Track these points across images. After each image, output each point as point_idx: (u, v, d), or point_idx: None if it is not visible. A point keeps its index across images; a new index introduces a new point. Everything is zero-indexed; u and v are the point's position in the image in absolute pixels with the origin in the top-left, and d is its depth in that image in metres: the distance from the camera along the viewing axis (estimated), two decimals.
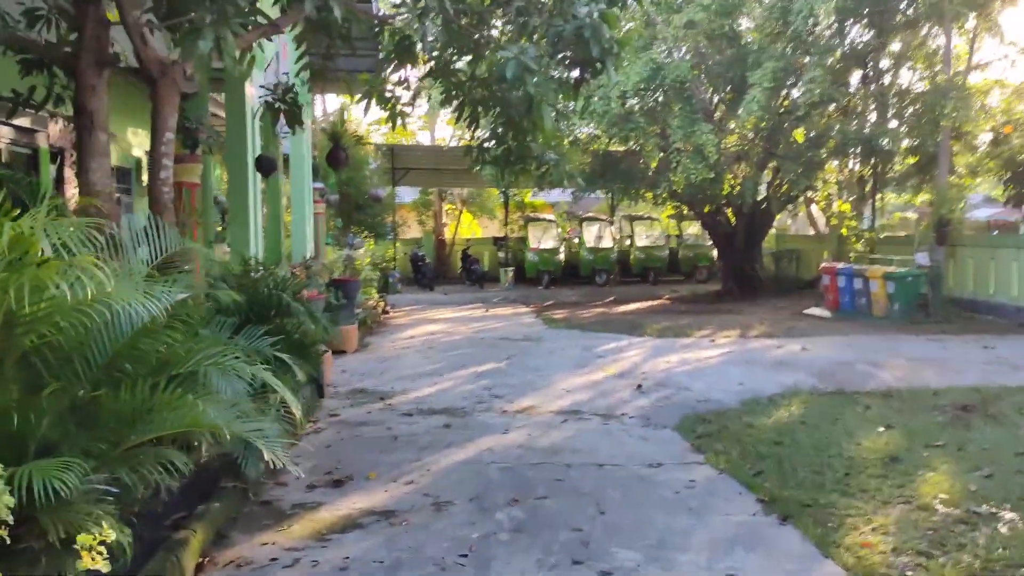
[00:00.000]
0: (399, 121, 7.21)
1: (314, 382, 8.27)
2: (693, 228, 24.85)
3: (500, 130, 7.18)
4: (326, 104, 26.44)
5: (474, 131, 7.26)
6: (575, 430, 7.02)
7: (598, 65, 5.92)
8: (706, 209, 18.47)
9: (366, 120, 26.77)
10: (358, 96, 7.00)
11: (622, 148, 16.53)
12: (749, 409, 7.62)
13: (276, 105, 5.89)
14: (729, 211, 19.53)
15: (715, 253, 24.13)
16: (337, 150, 7.19)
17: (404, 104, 7.24)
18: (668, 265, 24.07)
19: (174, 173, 5.39)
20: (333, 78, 7.04)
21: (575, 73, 6.31)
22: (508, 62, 5.50)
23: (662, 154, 15.74)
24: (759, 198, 16.66)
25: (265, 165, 7.35)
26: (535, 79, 5.67)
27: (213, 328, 5.29)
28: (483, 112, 7.10)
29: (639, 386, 8.74)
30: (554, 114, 6.88)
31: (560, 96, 6.80)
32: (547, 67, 6.09)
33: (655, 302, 19.54)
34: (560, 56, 6.02)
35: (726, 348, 11.62)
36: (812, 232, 25.76)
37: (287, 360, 5.66)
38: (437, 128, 28.53)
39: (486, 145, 7.48)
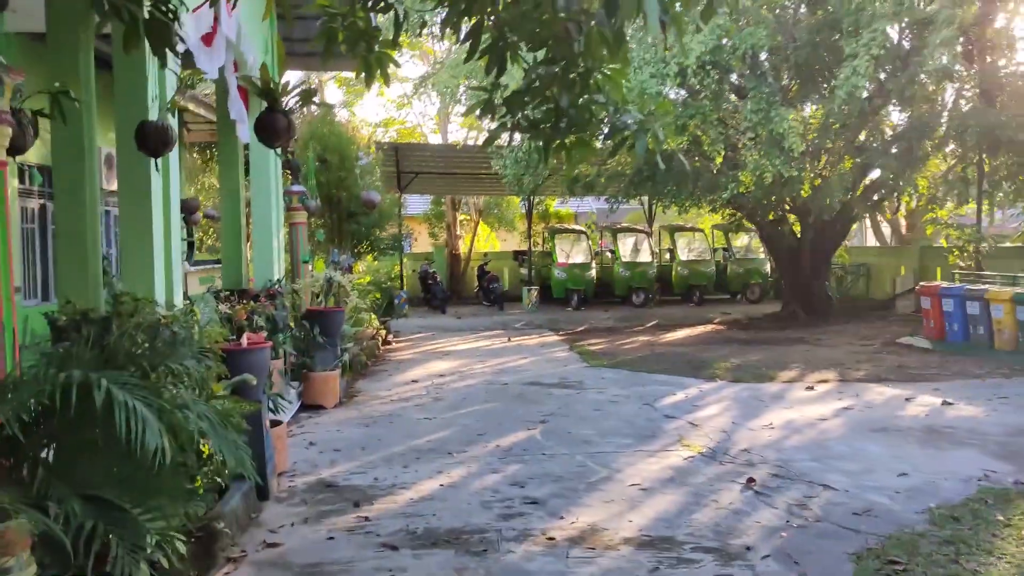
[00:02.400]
0: (376, 78, 4.28)
1: (255, 474, 5.36)
2: (740, 240, 21.79)
3: (542, 72, 4.23)
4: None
5: (497, 77, 4.30)
6: None
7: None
8: (769, 217, 15.43)
9: (362, 115, 24.02)
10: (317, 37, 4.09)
11: (676, 142, 13.60)
12: (952, 535, 4.61)
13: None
14: (793, 219, 16.49)
15: (768, 268, 21.10)
16: (273, 116, 4.24)
17: (384, 42, 4.31)
18: (714, 283, 21.02)
19: None
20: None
21: None
22: None
23: (722, 150, 12.71)
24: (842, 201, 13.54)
25: (150, 137, 4.44)
26: None
27: None
28: (514, 42, 4.18)
29: (750, 481, 5.72)
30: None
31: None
32: None
33: (706, 328, 16.52)
34: None
35: (836, 400, 8.58)
36: (877, 242, 22.66)
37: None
38: (449, 131, 25.61)
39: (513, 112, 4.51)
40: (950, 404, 8.25)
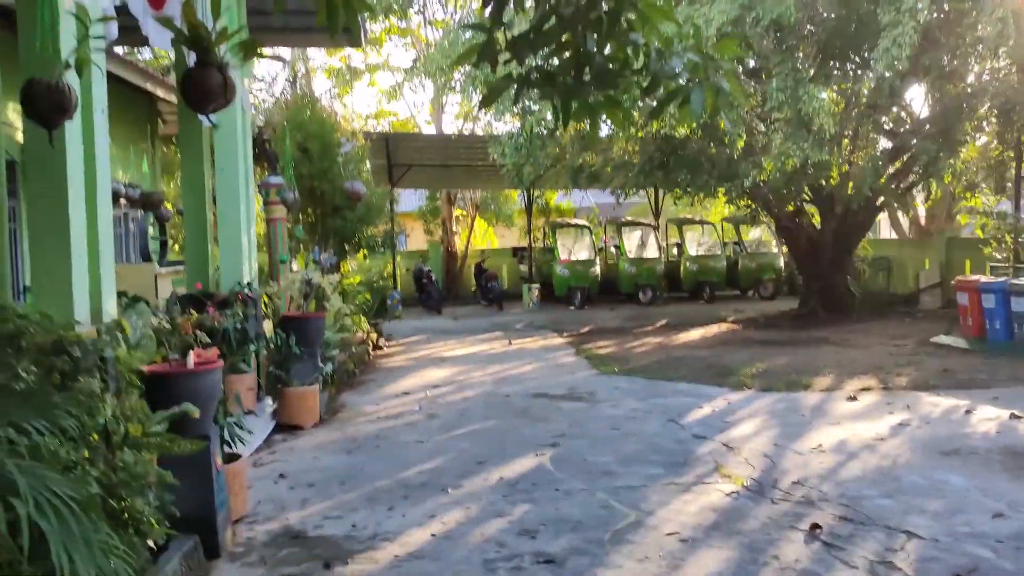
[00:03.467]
0: (339, 26, 3.17)
1: (201, 526, 4.28)
2: (752, 233, 20.68)
3: (559, 2, 3.14)
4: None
5: (497, 12, 3.18)
6: None
7: None
8: (789, 207, 14.33)
9: (353, 107, 22.93)
10: None
11: (689, 125, 12.50)
12: None
13: None
14: (813, 210, 15.40)
15: (782, 263, 20.02)
16: (204, 72, 3.11)
17: None
18: (725, 279, 19.91)
19: None
20: None
21: None
22: None
23: (742, 133, 11.55)
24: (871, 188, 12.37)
25: (40, 101, 3.35)
26: None
27: None
28: None
29: (815, 528, 4.63)
30: None
31: None
32: None
33: (720, 327, 15.43)
34: None
35: (887, 414, 7.50)
36: (895, 235, 21.59)
37: None
38: (444, 123, 24.42)
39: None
40: (1020, 418, 7.17)
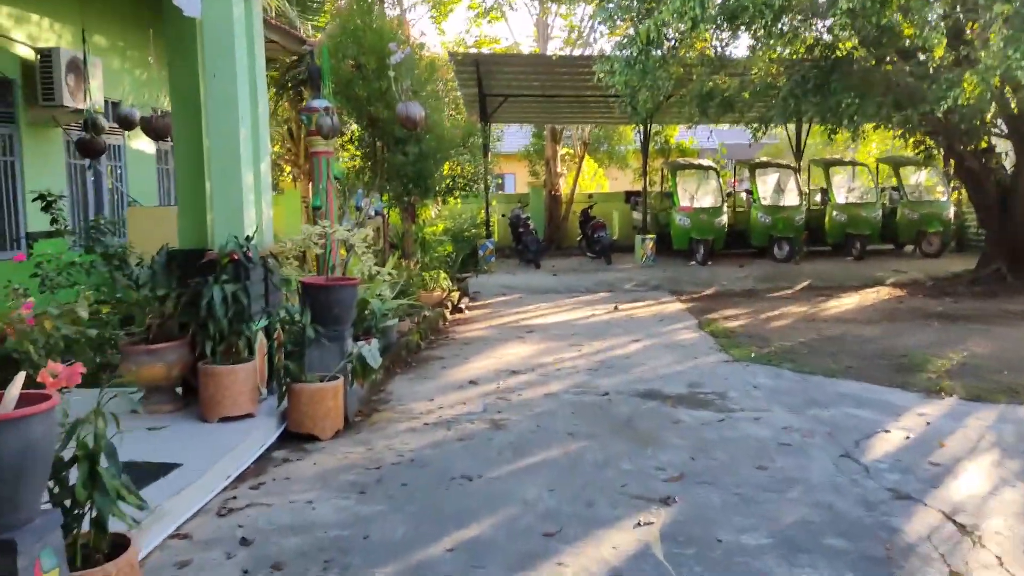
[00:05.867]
0: None
1: None
2: (915, 177, 17.24)
3: None
4: None
5: None
6: None
7: None
8: (982, 144, 11.12)
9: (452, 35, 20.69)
10: None
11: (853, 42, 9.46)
12: None
13: None
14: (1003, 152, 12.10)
15: (951, 213, 16.59)
16: None
17: None
18: (879, 231, 16.68)
19: None
20: None
21: None
22: None
23: (941, 39, 8.48)
24: None
25: None
26: None
27: None
28: None
29: None
30: None
31: None
32: None
33: (879, 293, 12.53)
34: None
35: None
36: None
37: None
38: (551, 49, 21.61)
39: None
40: None
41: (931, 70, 8.87)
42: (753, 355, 7.95)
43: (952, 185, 17.00)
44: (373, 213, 7.77)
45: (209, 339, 5.41)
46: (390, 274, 8.08)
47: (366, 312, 6.99)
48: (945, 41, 8.59)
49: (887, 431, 5.44)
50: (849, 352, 8.04)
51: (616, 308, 11.41)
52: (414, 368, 7.81)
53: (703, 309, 11.18)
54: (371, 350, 6.85)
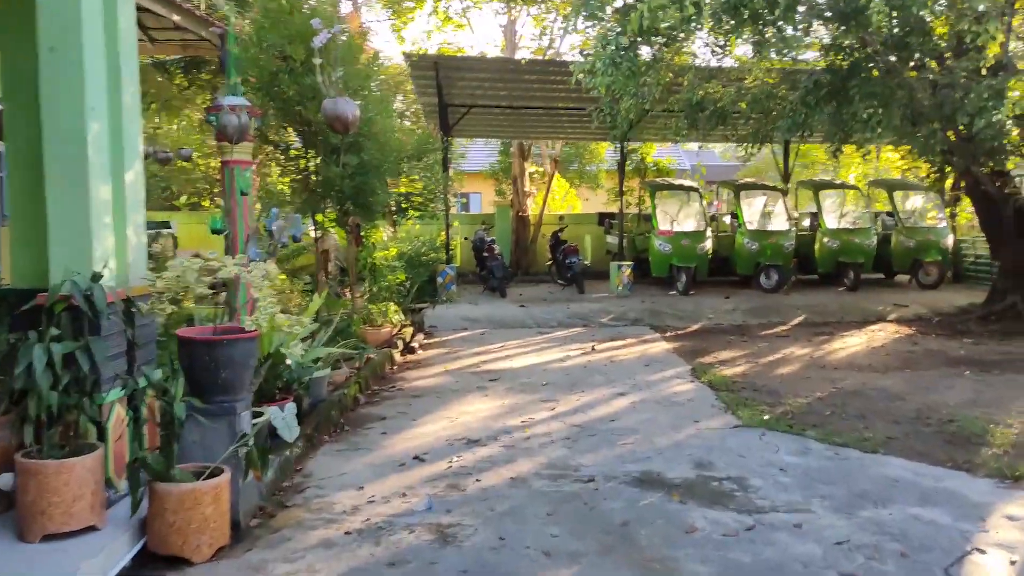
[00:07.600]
0: None
1: None
2: (910, 202, 16.02)
3: None
4: None
5: None
6: None
7: None
8: (1009, 165, 9.86)
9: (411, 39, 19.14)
10: None
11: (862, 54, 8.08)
12: None
13: None
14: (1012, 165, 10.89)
15: (951, 241, 15.40)
16: None
17: None
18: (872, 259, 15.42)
19: None
20: None
21: None
22: None
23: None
24: None
25: None
26: None
27: None
28: None
29: None
30: None
31: None
32: None
33: (885, 330, 11.23)
34: None
35: None
36: None
37: None
38: (516, 52, 20.05)
39: None
40: None
41: (962, 78, 7.45)
42: (767, 418, 6.47)
43: (949, 211, 15.85)
44: (287, 240, 6.19)
45: (30, 421, 3.78)
46: (318, 315, 6.48)
47: (280, 369, 5.37)
48: (1001, 38, 7.21)
49: (981, 551, 3.96)
50: (880, 413, 6.61)
51: (593, 348, 9.91)
52: (346, 435, 6.19)
53: (693, 350, 9.72)
54: (285, 417, 5.26)
